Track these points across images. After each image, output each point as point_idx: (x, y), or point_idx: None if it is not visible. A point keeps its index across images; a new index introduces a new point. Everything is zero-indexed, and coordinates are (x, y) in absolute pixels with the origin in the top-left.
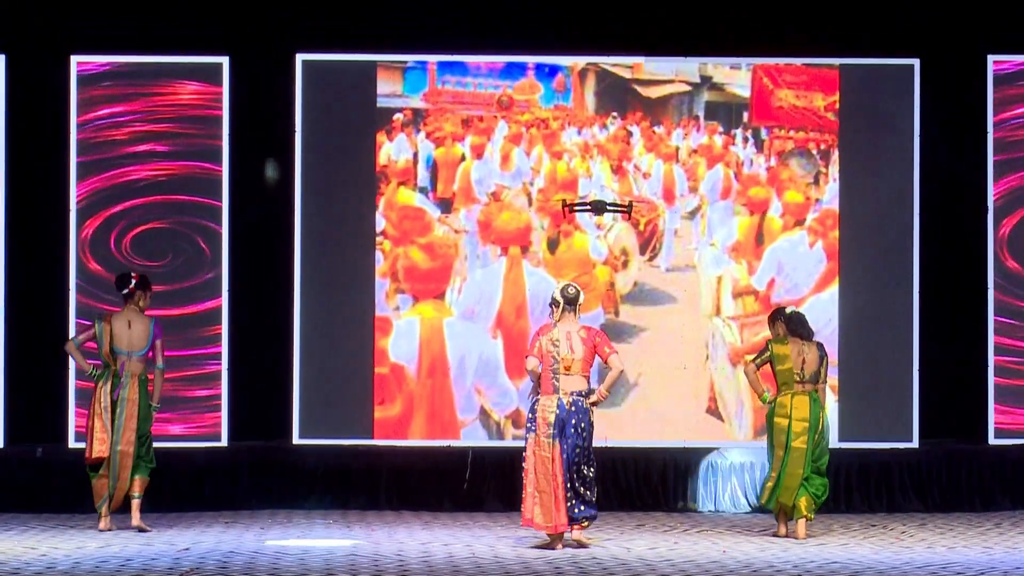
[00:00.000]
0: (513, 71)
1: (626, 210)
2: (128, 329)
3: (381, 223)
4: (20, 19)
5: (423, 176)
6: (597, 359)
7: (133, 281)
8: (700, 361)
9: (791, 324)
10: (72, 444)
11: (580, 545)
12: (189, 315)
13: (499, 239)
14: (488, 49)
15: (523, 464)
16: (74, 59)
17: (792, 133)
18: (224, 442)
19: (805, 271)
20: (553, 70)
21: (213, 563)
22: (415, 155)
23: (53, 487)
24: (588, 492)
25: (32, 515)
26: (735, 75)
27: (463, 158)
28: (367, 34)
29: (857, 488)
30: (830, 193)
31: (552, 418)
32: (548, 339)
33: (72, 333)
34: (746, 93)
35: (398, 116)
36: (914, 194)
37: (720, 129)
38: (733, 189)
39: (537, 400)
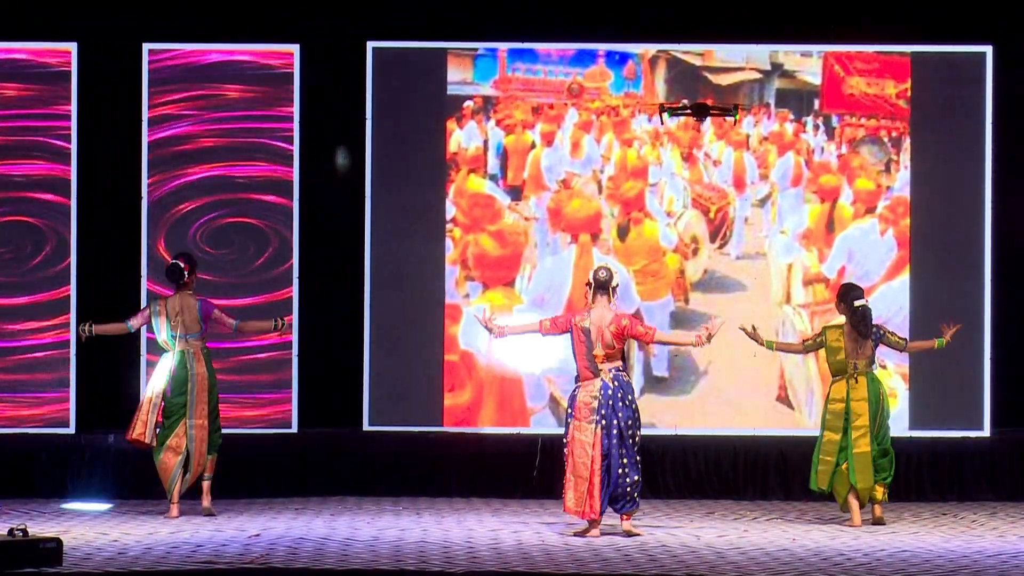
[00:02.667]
0: (583, 58)
1: (731, 113)
2: (179, 315)
3: (451, 211)
4: (92, 7)
5: (493, 163)
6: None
7: (185, 271)
8: (798, 383)
9: (853, 318)
10: None
11: (629, 535)
12: (260, 304)
13: (569, 227)
14: (558, 36)
15: (564, 449)
16: (146, 47)
17: (863, 120)
18: (294, 429)
19: (876, 259)
20: (623, 57)
21: (283, 549)
22: (485, 143)
23: (125, 473)
24: (637, 471)
25: (103, 501)
26: (806, 62)
27: (533, 145)
28: (437, 22)
29: (928, 476)
30: (901, 181)
31: (596, 404)
32: (580, 327)
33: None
34: (817, 80)
35: (468, 104)
36: (986, 181)
37: (791, 116)
38: (804, 177)
39: (578, 387)
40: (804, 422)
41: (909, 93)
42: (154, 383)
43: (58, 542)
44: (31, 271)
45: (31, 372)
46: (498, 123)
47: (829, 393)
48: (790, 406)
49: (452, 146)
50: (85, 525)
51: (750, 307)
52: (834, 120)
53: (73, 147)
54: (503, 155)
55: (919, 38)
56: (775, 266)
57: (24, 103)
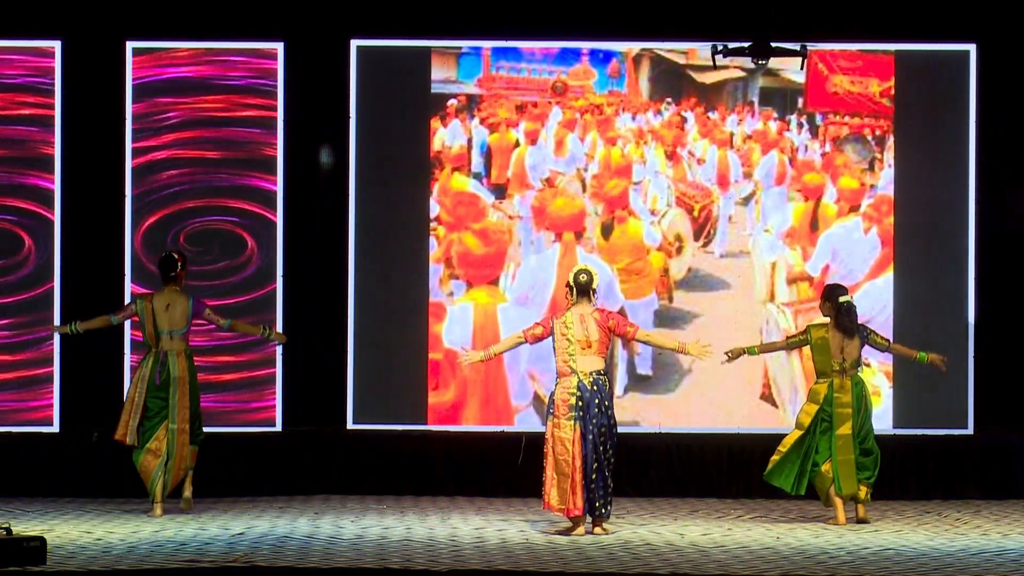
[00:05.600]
0: (567, 57)
1: (800, 54)
2: (167, 311)
3: (435, 209)
4: (75, 3)
5: (477, 162)
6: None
7: (179, 264)
8: (782, 381)
9: (839, 315)
10: None
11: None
12: (244, 301)
13: (553, 225)
14: (542, 35)
15: (543, 448)
16: (129, 44)
17: (847, 119)
18: (279, 427)
19: (860, 257)
20: (607, 56)
21: (267, 548)
22: (469, 141)
23: (109, 472)
24: (610, 479)
25: (88, 499)
26: (790, 61)
27: (517, 144)
28: (421, 20)
29: (912, 475)
30: (885, 179)
31: (573, 400)
32: (561, 323)
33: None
34: (801, 79)
35: (452, 102)
36: (970, 179)
37: (775, 115)
38: (787, 175)
39: (556, 384)
40: (788, 420)
41: (893, 91)
42: (136, 384)
43: (42, 540)
44: (14, 269)
45: (15, 371)
46: (482, 121)
47: (809, 392)
48: (774, 404)
49: (436, 144)
50: (69, 523)
51: (734, 305)
52: (818, 118)
53: (57, 146)
54: (487, 153)
55: (903, 36)
56: (759, 264)
57: (6, 103)
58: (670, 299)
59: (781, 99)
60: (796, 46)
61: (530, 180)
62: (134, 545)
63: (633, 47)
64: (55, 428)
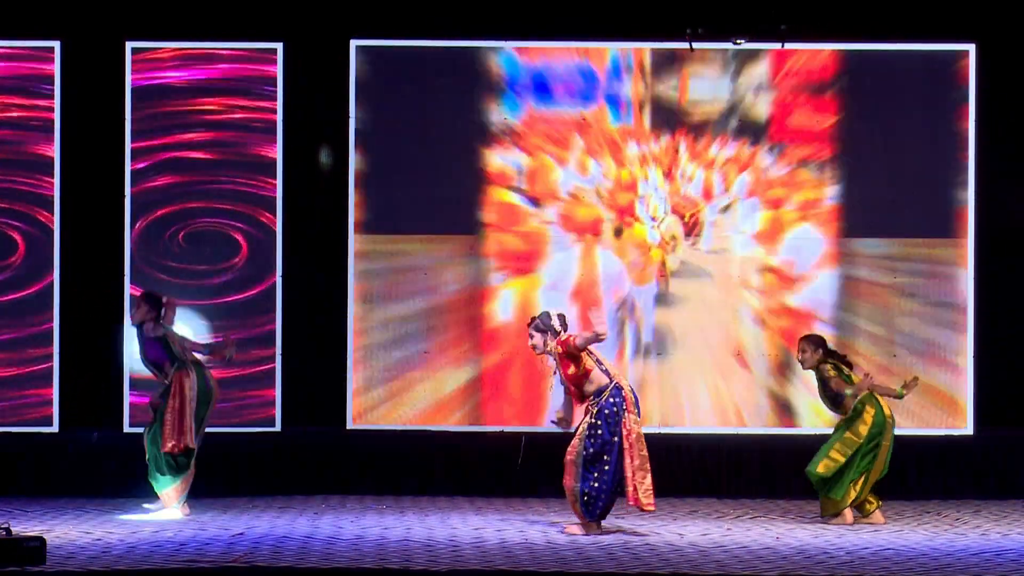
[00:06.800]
0: (588, 97)
1: (779, 38)
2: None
3: (486, 216)
4: (75, 4)
5: (518, 180)
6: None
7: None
8: (751, 348)
9: (834, 355)
10: (127, 429)
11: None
12: (243, 301)
13: (576, 229)
14: (542, 35)
15: (609, 449)
16: (129, 45)
17: (802, 147)
18: (278, 427)
19: (811, 252)
20: (618, 100)
21: (266, 548)
22: (513, 164)
23: (108, 472)
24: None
25: (87, 499)
26: (758, 101)
27: (549, 166)
28: (421, 20)
29: (911, 475)
30: (832, 193)
31: (633, 398)
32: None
33: (126, 317)
34: (767, 116)
35: (504, 135)
36: (969, 180)
37: (748, 143)
38: (758, 189)
39: (614, 384)
40: (789, 421)
41: (841, 122)
42: (188, 389)
43: (41, 541)
44: (13, 268)
45: (14, 370)
46: (523, 149)
47: (864, 402)
48: (774, 404)
49: (488, 165)
50: (68, 524)
51: (716, 290)
52: (780, 147)
53: (56, 147)
54: (526, 173)
55: (903, 36)
56: (735, 258)
57: (4, 104)
58: (667, 285)
59: (753, 132)
60: (774, 38)
61: (559, 194)
62: (133, 545)
63: (640, 91)
64: (55, 428)
